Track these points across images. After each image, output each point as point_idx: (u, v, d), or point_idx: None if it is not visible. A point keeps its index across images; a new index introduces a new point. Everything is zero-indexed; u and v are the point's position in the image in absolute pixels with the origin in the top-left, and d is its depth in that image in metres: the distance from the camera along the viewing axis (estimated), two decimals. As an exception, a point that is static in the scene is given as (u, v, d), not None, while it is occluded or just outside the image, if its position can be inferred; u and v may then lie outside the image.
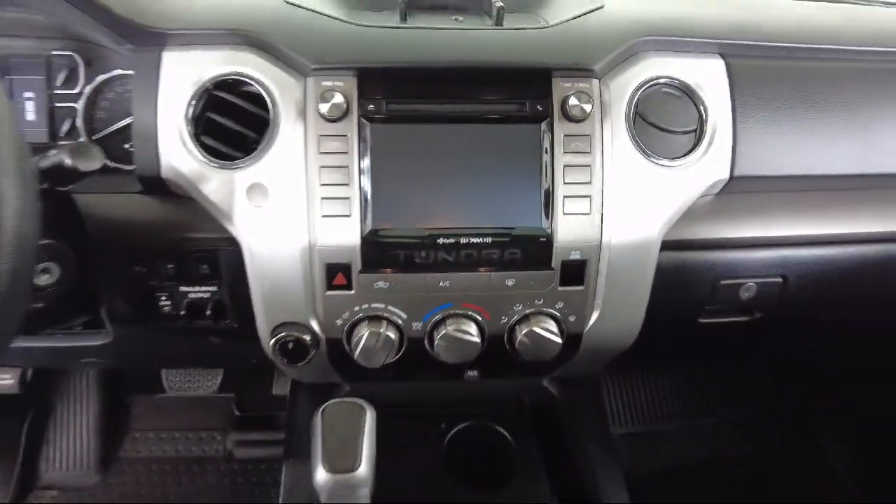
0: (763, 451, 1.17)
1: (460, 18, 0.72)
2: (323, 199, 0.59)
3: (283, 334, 0.63)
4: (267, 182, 0.59)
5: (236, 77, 0.60)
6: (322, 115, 0.59)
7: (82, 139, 0.74)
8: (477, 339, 0.63)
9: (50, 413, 1.22)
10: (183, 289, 0.69)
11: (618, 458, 0.75)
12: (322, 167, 0.59)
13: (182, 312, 0.69)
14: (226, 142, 0.61)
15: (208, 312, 0.69)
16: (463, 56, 0.63)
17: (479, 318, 0.64)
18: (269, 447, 1.21)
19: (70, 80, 0.73)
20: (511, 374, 0.77)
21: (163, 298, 0.69)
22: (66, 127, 0.74)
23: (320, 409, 0.57)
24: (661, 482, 0.99)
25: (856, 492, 1.09)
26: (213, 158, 0.60)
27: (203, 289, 0.69)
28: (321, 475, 0.51)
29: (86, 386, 1.23)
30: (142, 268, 0.64)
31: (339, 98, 0.58)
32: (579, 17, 0.68)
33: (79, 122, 0.74)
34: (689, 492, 1.00)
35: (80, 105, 0.73)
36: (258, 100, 0.60)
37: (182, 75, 0.61)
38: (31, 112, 0.76)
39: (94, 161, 0.57)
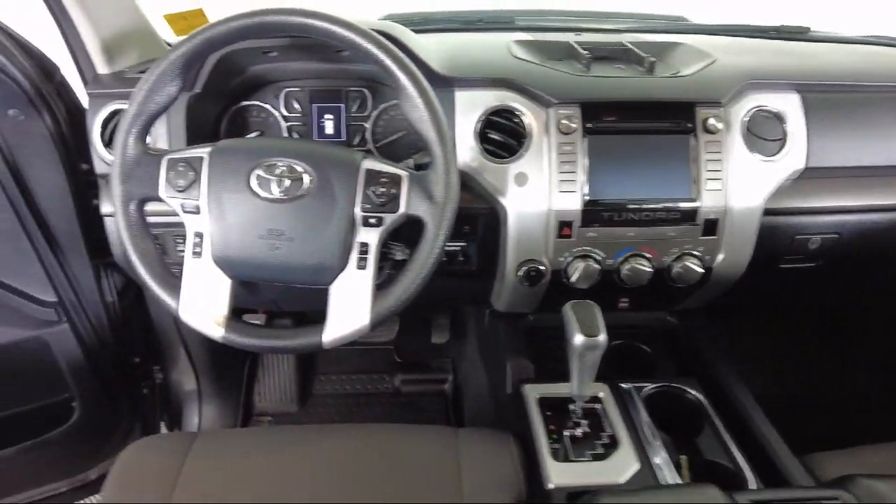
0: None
1: (622, 67, 1.11)
2: (560, 180, 0.97)
3: (528, 267, 1.00)
4: (527, 171, 0.97)
5: (505, 107, 0.98)
6: (560, 131, 0.96)
7: (369, 146, 1.12)
8: (649, 269, 1.00)
9: (259, 358, 1.59)
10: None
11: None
12: (560, 161, 0.97)
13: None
14: (498, 147, 0.98)
15: (460, 258, 1.07)
16: (642, 95, 1.00)
17: (650, 257, 1.01)
18: (428, 384, 1.57)
19: (361, 107, 1.12)
20: (652, 305, 1.14)
21: None
22: (357, 139, 1.13)
23: (569, 304, 0.92)
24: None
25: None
26: (490, 157, 0.98)
27: (457, 243, 1.07)
28: (579, 339, 0.87)
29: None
30: None
31: (569, 121, 0.96)
32: (704, 68, 1.06)
33: (367, 135, 1.12)
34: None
35: (368, 124, 1.11)
36: (518, 121, 0.98)
37: (470, 106, 0.99)
38: (330, 127, 1.14)
39: None
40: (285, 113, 1.10)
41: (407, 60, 0.78)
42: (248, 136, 1.09)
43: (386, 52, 0.77)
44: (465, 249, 1.07)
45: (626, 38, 1.21)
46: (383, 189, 0.77)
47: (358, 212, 0.78)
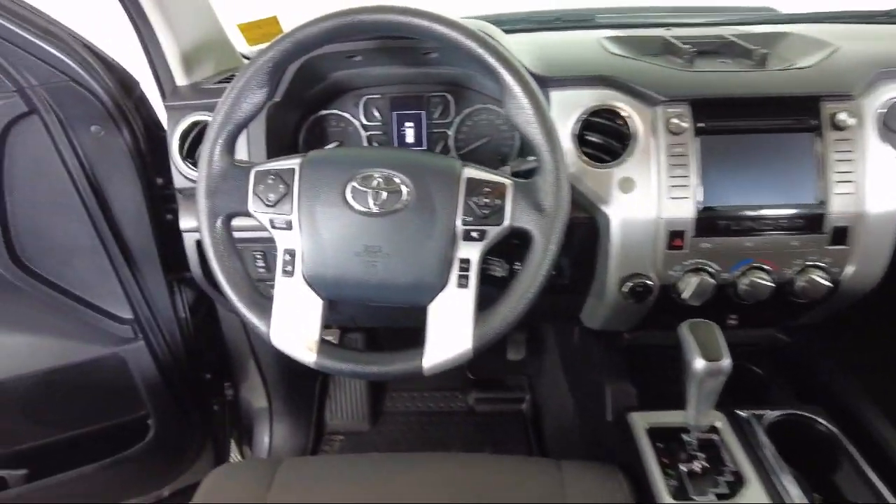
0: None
1: (727, 61, 1.01)
2: (670, 186, 0.88)
3: (636, 281, 0.91)
4: (633, 176, 0.89)
5: (606, 107, 0.90)
6: (670, 131, 0.87)
7: (452, 154, 1.06)
8: (770, 284, 0.90)
9: (330, 375, 1.55)
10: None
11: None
12: (670, 165, 0.88)
13: None
14: (597, 150, 0.90)
15: (552, 272, 0.99)
16: (758, 90, 0.90)
17: (769, 269, 0.91)
18: (504, 404, 1.50)
19: (444, 113, 1.05)
20: (764, 322, 1.03)
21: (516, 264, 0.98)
22: (439, 147, 1.07)
23: (686, 324, 0.83)
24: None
25: None
26: (590, 162, 0.90)
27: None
28: (700, 363, 0.78)
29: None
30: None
31: (680, 120, 0.87)
32: (826, 58, 0.95)
33: (450, 143, 1.06)
34: None
35: (451, 131, 1.05)
36: (621, 121, 0.90)
37: (567, 107, 0.91)
38: (410, 136, 1.09)
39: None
40: (365, 121, 1.05)
41: (513, 58, 0.71)
42: (329, 146, 1.04)
43: (490, 50, 0.70)
44: (558, 261, 0.99)
45: (725, 31, 1.11)
46: (486, 199, 0.70)
47: (459, 225, 0.71)
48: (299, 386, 1.49)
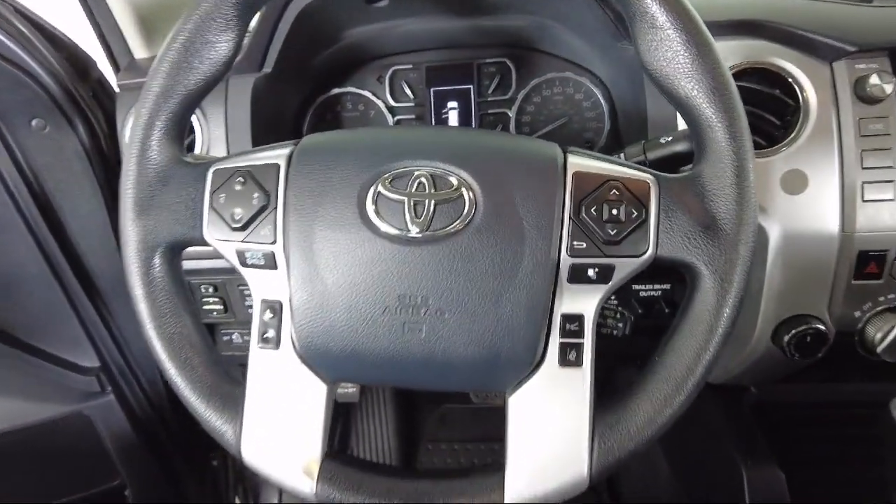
0: None
1: None
2: (864, 183, 0.57)
3: (801, 328, 0.61)
4: (805, 168, 0.58)
5: (760, 65, 0.60)
6: (862, 99, 0.57)
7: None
8: None
9: (351, 420, 1.27)
10: (634, 286, 0.69)
11: None
12: (863, 151, 0.57)
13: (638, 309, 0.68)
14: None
15: (662, 308, 0.69)
16: None
17: None
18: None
19: (501, 87, 0.76)
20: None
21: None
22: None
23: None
24: None
25: None
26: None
27: (657, 285, 0.68)
28: None
29: (382, 398, 1.27)
30: None
31: (880, 79, 0.56)
32: None
33: (511, 127, 0.76)
34: None
35: (512, 110, 0.75)
36: (784, 87, 0.59)
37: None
38: (454, 119, 0.79)
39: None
40: (392, 101, 0.76)
41: None
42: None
43: None
44: (669, 295, 0.69)
45: None
46: (613, 209, 0.41)
47: (564, 256, 0.41)
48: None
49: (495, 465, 0.43)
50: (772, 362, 0.66)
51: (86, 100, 0.82)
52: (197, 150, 0.67)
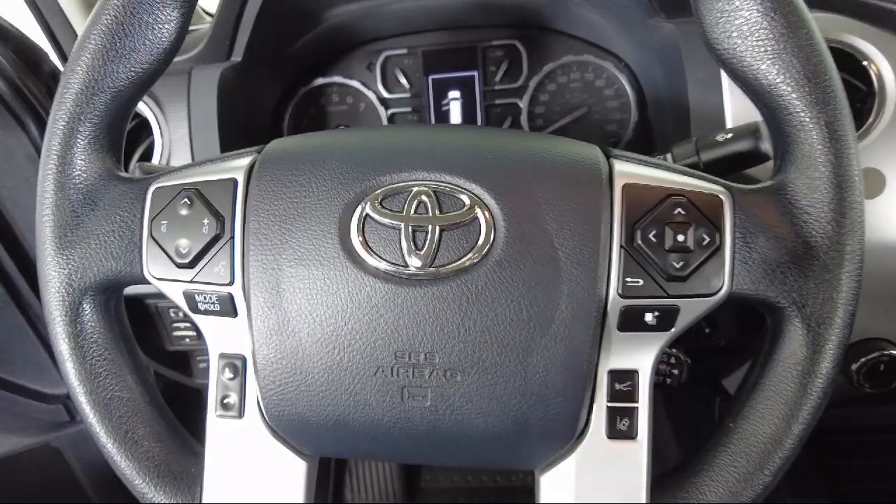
0: None
1: None
2: (956, 182, 0.47)
3: (875, 354, 0.51)
4: (881, 166, 0.48)
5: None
6: None
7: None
8: None
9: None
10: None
11: None
12: (955, 143, 0.47)
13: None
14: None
15: (706, 329, 0.59)
16: None
17: None
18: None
19: (510, 74, 0.66)
20: None
21: None
22: (506, 126, 0.67)
23: None
24: None
25: None
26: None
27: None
28: None
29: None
30: None
31: None
32: None
33: (522, 120, 0.66)
34: None
35: (523, 101, 0.66)
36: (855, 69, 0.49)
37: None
38: (456, 112, 0.70)
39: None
40: (384, 93, 0.66)
41: None
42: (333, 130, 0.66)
43: None
44: (713, 315, 0.59)
45: None
46: (679, 235, 0.31)
47: (615, 297, 0.31)
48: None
49: None
50: (833, 392, 0.56)
51: (38, 97, 0.72)
52: (155, 159, 0.57)
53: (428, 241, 0.31)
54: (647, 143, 0.64)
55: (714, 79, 0.52)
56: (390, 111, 0.67)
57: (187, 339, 0.68)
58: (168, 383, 0.92)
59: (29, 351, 0.84)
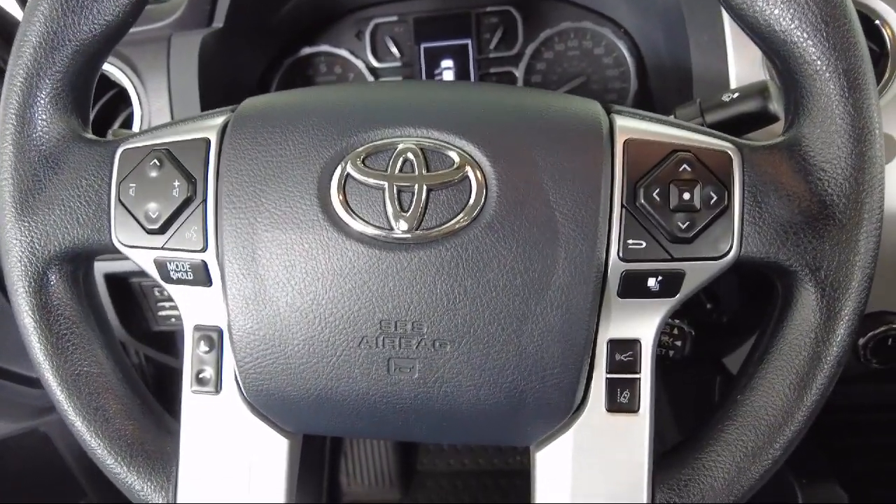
0: None
1: None
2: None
3: (883, 328, 0.49)
4: (894, 131, 0.46)
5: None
6: None
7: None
8: None
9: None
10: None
11: None
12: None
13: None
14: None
15: (704, 305, 0.58)
16: None
17: None
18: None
19: (505, 41, 0.63)
20: None
21: None
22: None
23: None
24: None
25: None
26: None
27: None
28: None
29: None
30: None
31: None
32: None
33: (518, 90, 0.64)
34: None
35: (519, 69, 0.63)
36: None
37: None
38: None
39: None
40: (374, 62, 0.64)
41: None
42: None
43: None
44: (714, 289, 0.57)
45: None
46: (685, 193, 0.29)
47: (616, 261, 0.29)
48: (305, 438, 1.10)
49: None
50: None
51: None
52: (135, 129, 0.55)
53: (414, 201, 0.29)
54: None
55: (718, 42, 0.49)
56: (381, 80, 0.65)
57: (173, 319, 0.66)
58: (158, 366, 0.90)
59: (14, 334, 0.82)
